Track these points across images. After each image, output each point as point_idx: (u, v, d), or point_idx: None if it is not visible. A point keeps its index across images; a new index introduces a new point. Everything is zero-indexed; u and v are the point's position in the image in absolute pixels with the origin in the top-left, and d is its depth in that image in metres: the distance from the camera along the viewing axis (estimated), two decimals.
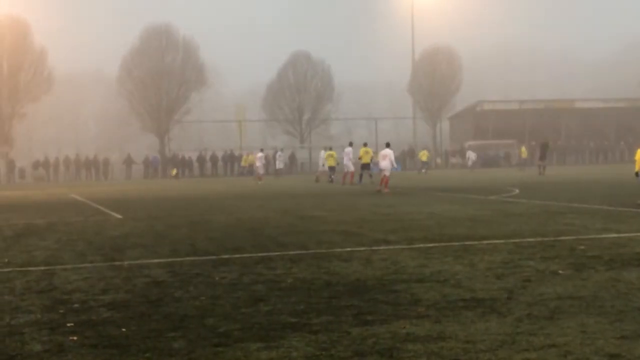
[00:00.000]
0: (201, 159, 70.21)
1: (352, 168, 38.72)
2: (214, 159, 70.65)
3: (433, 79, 78.03)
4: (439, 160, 74.07)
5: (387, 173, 29.68)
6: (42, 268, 10.89)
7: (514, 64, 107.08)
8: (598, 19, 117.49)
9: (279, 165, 54.46)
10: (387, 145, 31.96)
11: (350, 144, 41.79)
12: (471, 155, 59.87)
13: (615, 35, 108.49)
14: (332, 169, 42.17)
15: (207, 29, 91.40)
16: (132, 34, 72.72)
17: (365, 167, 36.80)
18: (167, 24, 72.77)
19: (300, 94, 77.48)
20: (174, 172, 63.93)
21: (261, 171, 47.57)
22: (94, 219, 19.95)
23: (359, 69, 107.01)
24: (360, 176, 37.07)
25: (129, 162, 69.18)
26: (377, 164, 34.08)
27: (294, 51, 78.76)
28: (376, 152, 39.18)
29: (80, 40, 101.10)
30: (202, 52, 73.29)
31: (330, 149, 44.75)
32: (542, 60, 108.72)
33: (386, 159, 30.05)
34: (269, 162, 58.92)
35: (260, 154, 48.83)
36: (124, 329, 6.91)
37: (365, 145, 38.65)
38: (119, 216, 20.75)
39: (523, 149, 58.28)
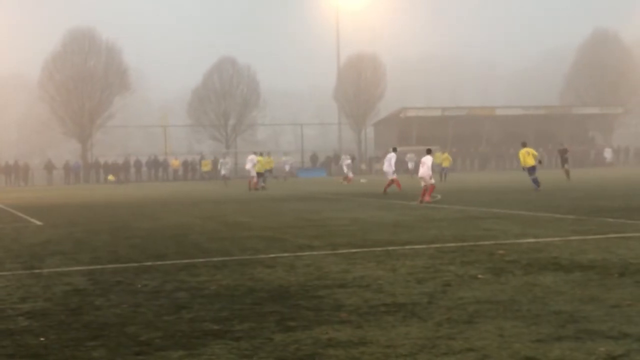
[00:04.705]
0: (125, 165, 69.25)
1: (391, 175, 34.52)
2: (137, 164, 69.77)
3: (358, 86, 78.64)
4: (363, 167, 74.57)
5: (432, 181, 26.50)
6: None
7: (438, 72, 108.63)
8: (519, 29, 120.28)
9: (224, 172, 53.41)
10: (428, 151, 28.27)
11: (394, 150, 37.40)
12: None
13: (536, 45, 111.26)
14: (259, 175, 41.93)
15: (133, 34, 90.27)
16: (55, 37, 71.40)
17: (531, 171, 31.56)
18: (89, 28, 71.56)
19: (226, 99, 77.06)
20: (112, 177, 64.30)
21: (350, 174, 48.13)
22: (12, 226, 19.50)
23: (285, 75, 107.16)
24: (535, 181, 30.99)
25: (49, 167, 67.74)
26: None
27: (219, 56, 78.42)
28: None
29: (1, 43, 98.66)
30: (127, 56, 72.46)
31: (261, 154, 44.57)
32: (465, 69, 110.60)
33: (424, 166, 27.27)
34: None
35: (348, 161, 50.45)
36: (42, 338, 6.78)
37: (524, 145, 33.18)
38: (38, 223, 20.33)
39: (446, 155, 55.18)
